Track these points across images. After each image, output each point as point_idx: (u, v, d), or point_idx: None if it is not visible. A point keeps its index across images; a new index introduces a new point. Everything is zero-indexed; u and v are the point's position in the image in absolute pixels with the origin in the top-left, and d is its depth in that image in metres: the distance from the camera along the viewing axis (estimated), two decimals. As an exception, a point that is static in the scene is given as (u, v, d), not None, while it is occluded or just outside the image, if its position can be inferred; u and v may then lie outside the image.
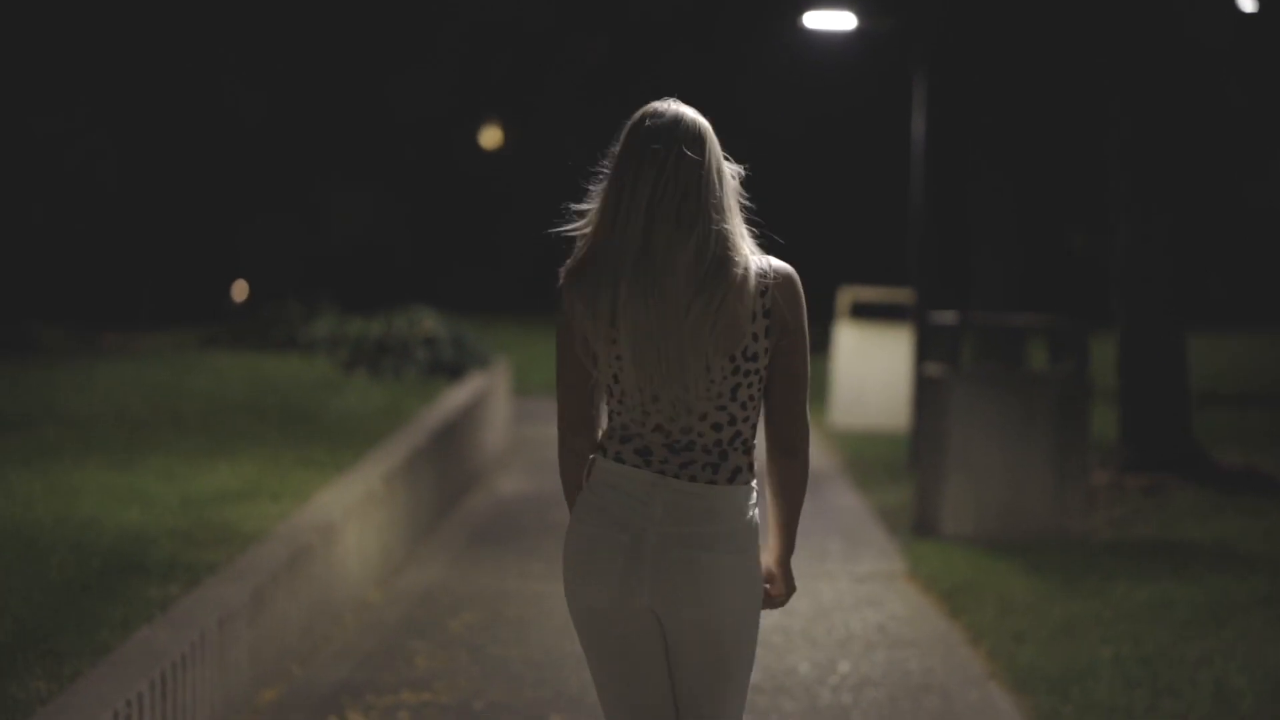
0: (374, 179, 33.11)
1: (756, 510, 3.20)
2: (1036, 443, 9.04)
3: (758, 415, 3.18)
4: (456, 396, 12.01)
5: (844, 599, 7.62)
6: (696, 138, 3.15)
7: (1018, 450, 9.04)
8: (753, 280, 3.13)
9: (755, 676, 6.22)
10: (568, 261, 3.21)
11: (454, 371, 13.37)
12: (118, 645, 5.12)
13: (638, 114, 3.20)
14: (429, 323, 13.41)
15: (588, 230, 3.19)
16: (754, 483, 3.20)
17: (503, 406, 13.82)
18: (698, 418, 3.14)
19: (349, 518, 7.45)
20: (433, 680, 6.16)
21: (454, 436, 10.86)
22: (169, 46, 29.13)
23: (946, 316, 9.73)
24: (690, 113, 3.19)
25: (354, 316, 14.82)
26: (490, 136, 39.47)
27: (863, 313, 16.48)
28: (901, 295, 15.96)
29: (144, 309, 26.35)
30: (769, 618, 7.21)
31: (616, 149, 3.19)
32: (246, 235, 31.90)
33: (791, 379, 3.15)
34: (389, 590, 7.92)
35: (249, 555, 6.38)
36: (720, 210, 3.13)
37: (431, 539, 9.41)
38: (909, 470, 11.96)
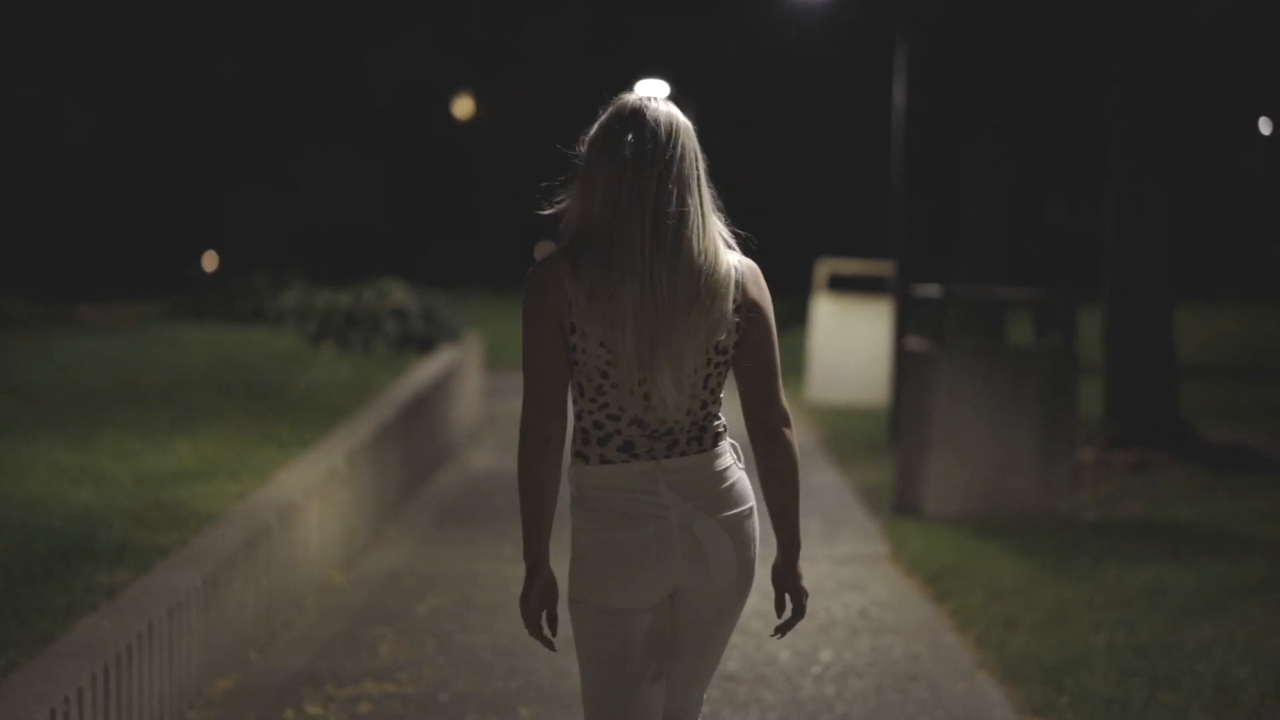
0: (351, 149, 32.69)
1: (741, 465, 3.29)
2: (1023, 419, 8.78)
3: (720, 395, 3.27)
4: (426, 370, 11.70)
5: (824, 583, 7.35)
6: (688, 136, 3.21)
7: (1003, 427, 8.78)
8: (732, 275, 3.22)
9: (733, 665, 5.96)
10: (552, 247, 3.21)
11: (424, 344, 13.06)
12: (59, 635, 4.82)
13: (625, 106, 3.22)
14: (398, 295, 13.08)
15: (574, 218, 3.21)
16: (729, 439, 3.28)
17: (474, 380, 13.52)
18: (675, 408, 3.20)
19: (310, 498, 7.15)
20: (397, 669, 5.88)
21: (423, 411, 10.57)
22: (146, 11, 28.65)
23: (930, 289, 9.46)
24: (677, 110, 3.25)
25: (323, 288, 14.48)
26: (463, 106, 39.05)
27: (841, 286, 16.20)
28: (880, 268, 15.69)
29: (116, 280, 25.94)
30: (745, 603, 6.95)
31: (600, 138, 3.20)
32: (223, 205, 31.48)
33: (767, 368, 3.23)
34: (353, 572, 7.63)
35: (204, 538, 6.08)
36: (708, 209, 3.21)
37: (399, 518, 9.11)
38: (889, 448, 11.70)
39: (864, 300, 15.22)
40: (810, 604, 6.88)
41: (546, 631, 3.26)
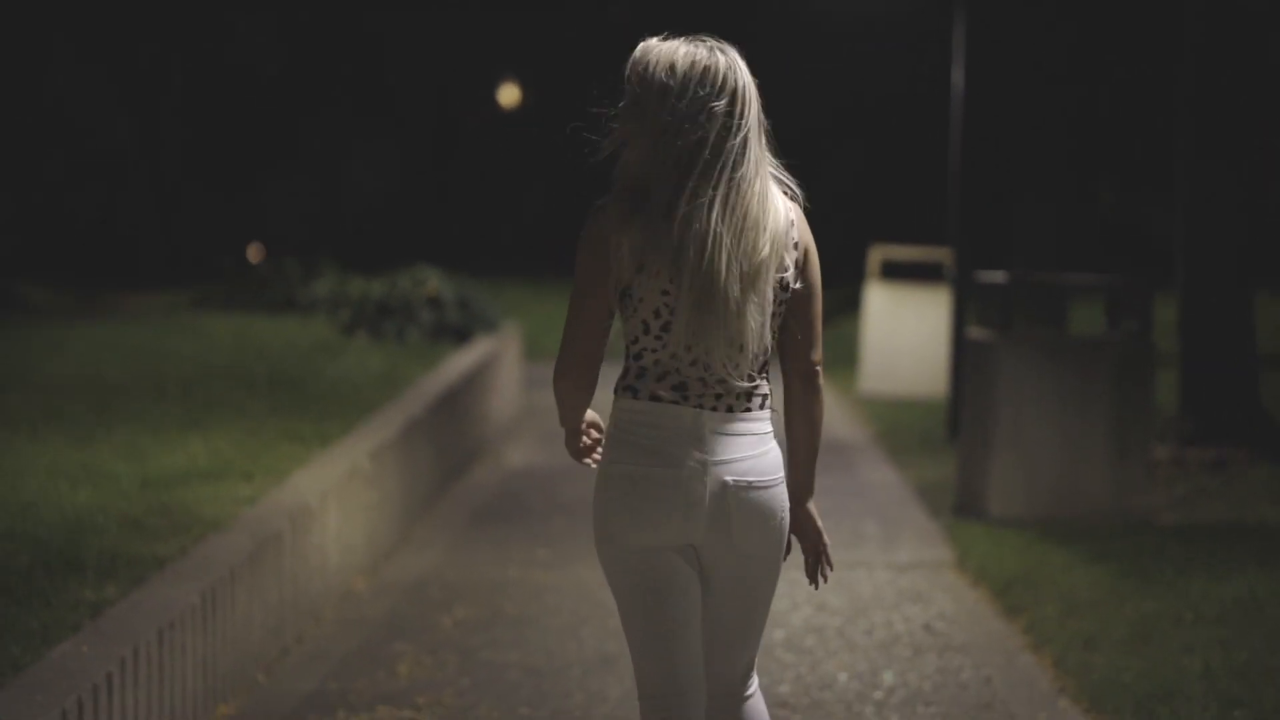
0: (390, 136, 32.22)
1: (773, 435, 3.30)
2: (1094, 414, 8.18)
3: (769, 346, 3.25)
4: (461, 362, 11.18)
5: (884, 593, 6.78)
6: (750, 87, 3.18)
7: (1073, 423, 8.18)
8: (784, 212, 3.22)
9: (785, 690, 5.39)
10: (608, 199, 3.20)
11: (460, 335, 12.55)
12: (31, 663, 4.31)
13: (680, 52, 3.17)
14: (433, 283, 12.57)
15: (632, 165, 3.17)
16: (772, 407, 3.28)
17: (512, 372, 13.00)
18: (729, 365, 3.19)
19: (329, 500, 6.63)
20: (415, 692, 5.35)
21: (457, 405, 10.05)
22: (185, 5, 28.27)
23: (994, 275, 8.85)
24: (739, 60, 3.19)
25: (357, 276, 13.98)
26: (508, 95, 38.54)
27: (894, 272, 15.58)
28: (935, 253, 15.07)
29: (151, 268, 25.56)
30: (798, 615, 6.39)
31: (660, 83, 3.15)
32: (262, 194, 31.09)
33: (813, 313, 3.26)
34: (376, 580, 7.11)
35: (206, 547, 5.57)
36: (766, 162, 3.20)
37: (428, 519, 8.59)
38: (948, 443, 11.11)
39: (919, 287, 14.59)
40: (869, 616, 6.38)
41: (588, 446, 3.39)
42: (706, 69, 3.15)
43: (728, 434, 3.20)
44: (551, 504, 9.17)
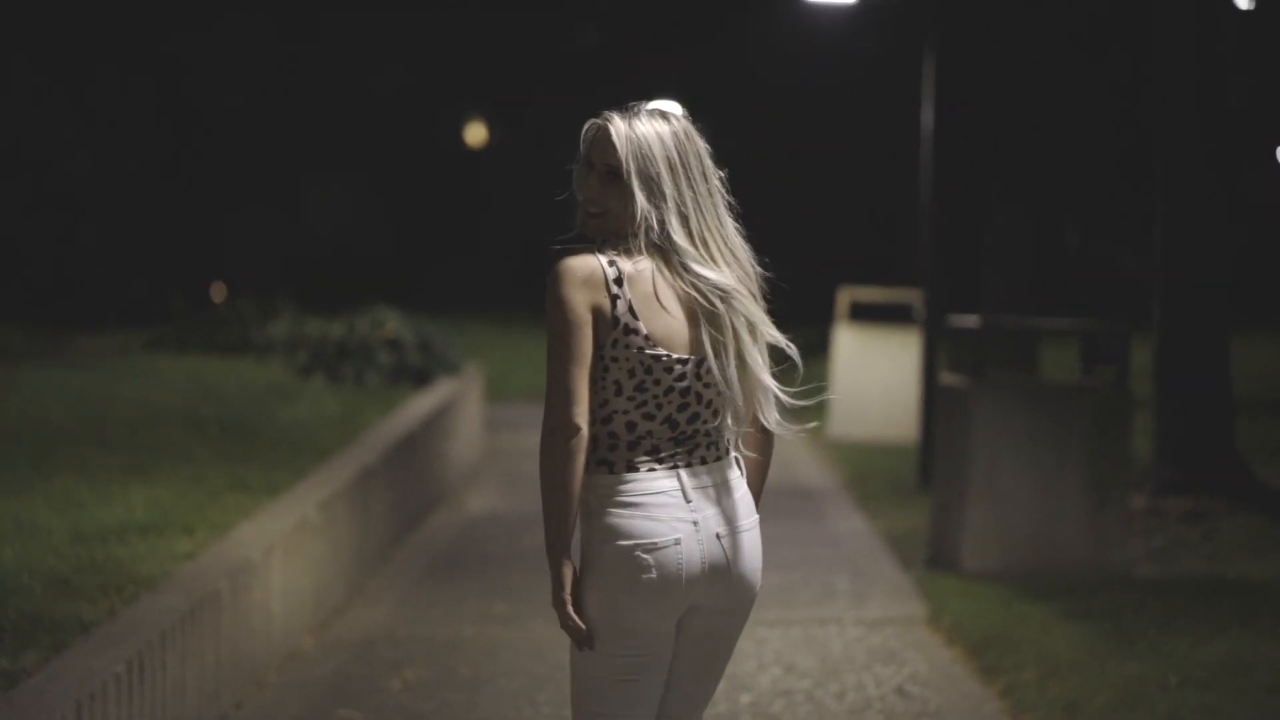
0: (354, 175, 31.93)
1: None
2: (1071, 463, 7.92)
3: None
4: (420, 405, 10.87)
5: (855, 653, 6.48)
6: (704, 150, 3.27)
7: (1050, 472, 7.92)
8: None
9: (753, 760, 5.10)
10: (605, 251, 3.20)
11: (420, 377, 12.23)
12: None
13: (645, 112, 3.26)
14: (392, 324, 12.25)
15: (611, 219, 3.22)
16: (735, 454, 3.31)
17: (474, 415, 12.68)
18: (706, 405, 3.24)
19: (273, 555, 6.31)
20: (358, 764, 5.03)
21: (415, 450, 9.73)
22: (145, 36, 27.95)
23: (967, 319, 8.60)
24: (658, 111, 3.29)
25: (315, 316, 13.65)
26: (475, 133, 38.30)
27: (863, 314, 15.33)
28: (904, 295, 14.84)
29: (107, 307, 25.15)
30: (765, 677, 6.09)
31: (645, 142, 3.21)
32: (223, 232, 30.72)
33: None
34: (324, 639, 6.79)
35: (136, 609, 5.24)
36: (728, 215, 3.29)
37: (382, 571, 8.27)
38: (918, 490, 10.84)
39: (888, 330, 14.35)
40: (840, 678, 6.08)
41: (578, 620, 3.20)
42: (686, 134, 3.25)
43: (707, 487, 3.21)
44: (512, 553, 8.86)
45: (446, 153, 34.75)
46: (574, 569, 3.21)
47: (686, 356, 3.18)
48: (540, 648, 6.58)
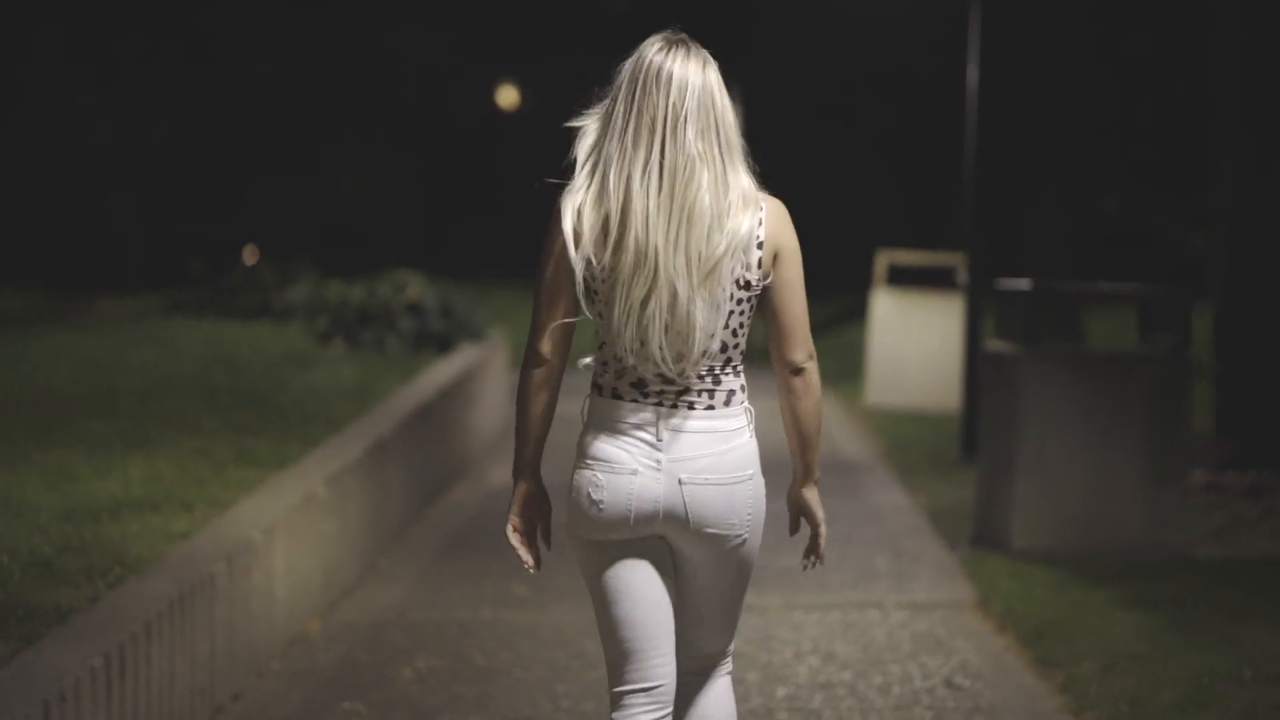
0: (383, 139, 31.47)
1: (752, 430, 3.29)
2: (1127, 437, 7.44)
3: (746, 339, 3.28)
4: (441, 373, 10.45)
5: (899, 640, 6.04)
6: (706, 90, 3.21)
7: (1104, 446, 7.44)
8: (750, 211, 3.21)
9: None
10: (575, 181, 3.26)
11: (443, 344, 11.81)
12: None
13: (645, 57, 3.23)
14: (414, 289, 11.82)
15: (590, 149, 3.25)
16: (746, 403, 3.29)
17: (498, 383, 12.26)
18: (668, 364, 3.23)
19: (275, 534, 5.90)
20: (359, 766, 4.62)
21: (434, 420, 9.32)
22: (172, 4, 27.54)
23: (1018, 283, 8.12)
24: (696, 49, 3.25)
25: (335, 280, 13.23)
26: (507, 96, 37.79)
27: (901, 279, 14.83)
28: (945, 259, 14.33)
29: (135, 272, 24.82)
30: (803, 667, 5.65)
31: (625, 79, 3.24)
32: (253, 195, 30.33)
33: (790, 307, 3.25)
34: (331, 623, 6.38)
35: (120, 595, 4.83)
36: (727, 160, 3.21)
37: (396, 549, 7.86)
38: (960, 462, 10.38)
39: (928, 294, 13.83)
40: (884, 668, 5.65)
41: (521, 545, 3.36)
42: (662, 66, 3.21)
43: (685, 431, 3.23)
44: (534, 530, 8.44)
45: (478, 115, 34.27)
46: (530, 491, 3.34)
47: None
48: (561, 634, 6.16)
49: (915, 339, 13.58)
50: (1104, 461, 7.44)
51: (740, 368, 3.28)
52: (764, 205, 3.22)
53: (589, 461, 3.25)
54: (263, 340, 11.79)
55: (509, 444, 11.86)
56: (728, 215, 3.16)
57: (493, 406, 11.84)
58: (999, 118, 12.05)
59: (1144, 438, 7.44)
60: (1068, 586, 6.59)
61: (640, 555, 3.29)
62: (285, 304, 12.91)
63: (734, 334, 3.23)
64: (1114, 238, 26.64)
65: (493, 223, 34.02)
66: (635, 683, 3.30)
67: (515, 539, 3.35)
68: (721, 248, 3.14)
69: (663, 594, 3.32)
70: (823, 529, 3.36)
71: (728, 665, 3.43)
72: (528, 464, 3.33)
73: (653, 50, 3.23)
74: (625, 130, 3.19)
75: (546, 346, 3.26)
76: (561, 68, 32.42)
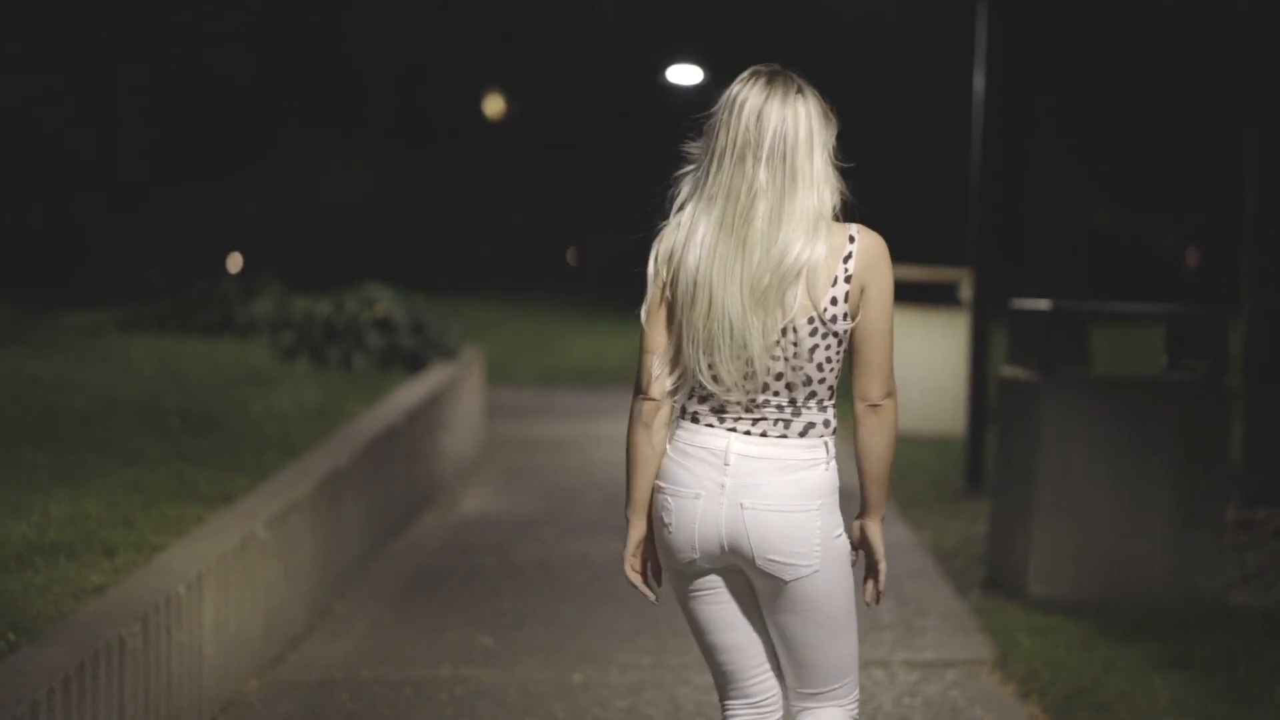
0: (366, 148, 30.77)
1: (832, 466, 3.27)
2: (1157, 472, 6.77)
3: (835, 375, 3.27)
4: (409, 394, 9.75)
5: (909, 709, 5.34)
6: (795, 117, 3.26)
7: (1131, 482, 6.78)
8: (819, 242, 3.22)
9: None
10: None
11: (413, 362, 11.12)
12: None
13: (737, 80, 3.30)
14: (382, 304, 11.12)
15: (687, 187, 3.30)
16: (828, 439, 3.27)
17: (472, 404, 11.56)
18: (773, 377, 3.24)
19: (206, 583, 5.20)
20: None
21: (399, 446, 8.63)
22: (147, 6, 26.86)
23: (1035, 303, 7.45)
24: (784, 79, 3.30)
25: (302, 295, 12.54)
26: (493, 105, 37.15)
27: (901, 294, 14.11)
28: (948, 274, 13.66)
29: (103, 283, 24.11)
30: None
31: (714, 114, 3.30)
32: (230, 205, 29.62)
33: (871, 342, 3.24)
34: (271, 681, 5.68)
35: (6, 668, 4.13)
36: (798, 179, 3.23)
37: (354, 590, 7.17)
38: (966, 493, 9.71)
39: (929, 311, 13.16)
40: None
41: (640, 583, 3.42)
42: (738, 97, 3.26)
43: (752, 456, 3.23)
44: (504, 566, 7.76)
45: (462, 125, 33.61)
46: (644, 531, 3.37)
47: None
48: (528, 696, 5.47)
49: (915, 359, 12.89)
50: (1130, 500, 6.77)
51: (827, 403, 3.26)
52: (855, 239, 3.22)
53: (662, 485, 3.32)
54: (222, 358, 11.10)
55: (485, 468, 11.19)
56: (779, 243, 3.17)
57: (467, 428, 11.14)
58: (1006, 128, 11.39)
59: (1174, 473, 6.77)
60: (1096, 643, 5.91)
61: (723, 586, 3.34)
62: (249, 318, 12.23)
63: (819, 368, 3.23)
64: (1109, 252, 26.03)
65: (478, 233, 33.36)
66: (738, 697, 3.42)
67: (635, 579, 3.42)
68: (767, 277, 3.16)
69: (749, 623, 3.37)
70: (882, 564, 3.34)
71: (845, 703, 3.40)
72: (638, 503, 3.35)
73: (738, 81, 3.28)
74: (707, 161, 3.25)
75: (656, 380, 3.28)
76: (549, 75, 31.73)
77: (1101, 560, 6.77)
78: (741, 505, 3.22)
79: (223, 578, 5.39)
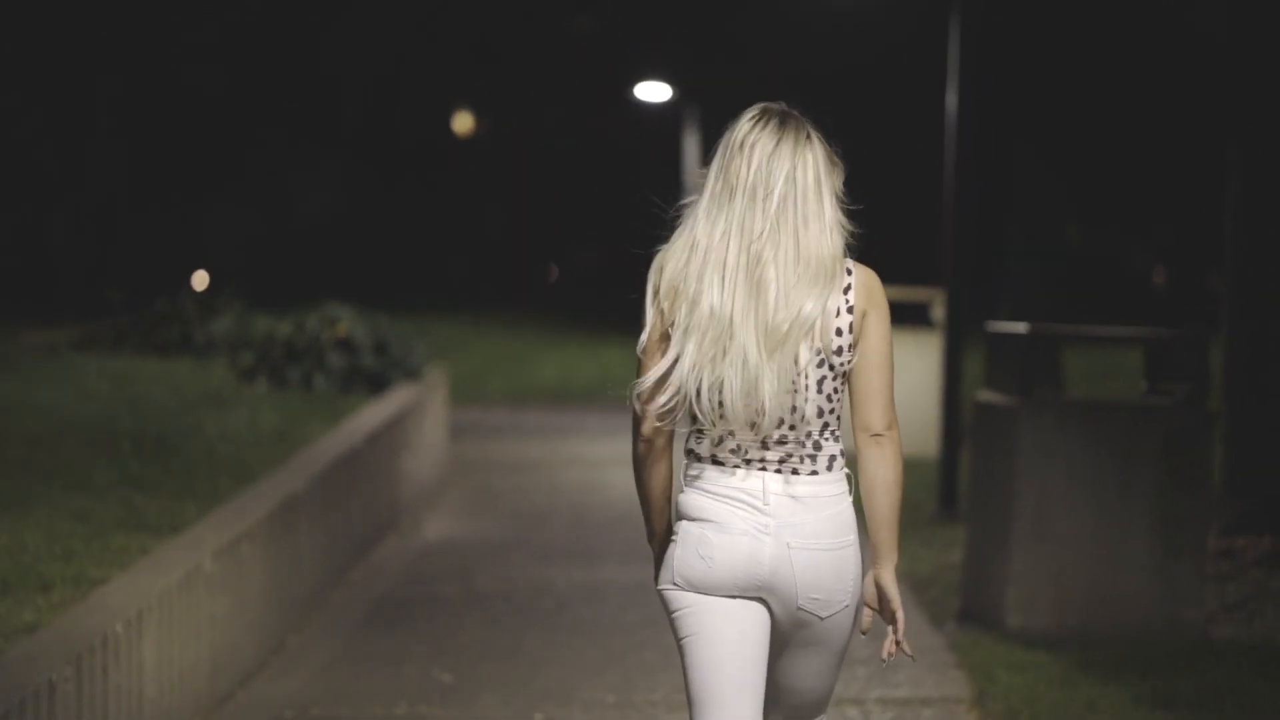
0: (335, 166, 30.53)
1: (850, 496, 3.26)
2: (1138, 499, 6.57)
3: (841, 404, 3.26)
4: (371, 416, 9.51)
5: (884, 750, 5.13)
6: (800, 157, 3.27)
7: (1112, 510, 6.57)
8: (827, 286, 3.23)
9: None
10: (667, 248, 3.26)
11: (376, 383, 10.88)
12: None
13: (741, 116, 3.29)
14: (343, 323, 10.88)
15: (689, 220, 3.27)
16: (845, 469, 3.26)
17: (436, 426, 11.31)
18: (788, 411, 3.22)
19: (146, 621, 4.95)
20: None
21: (359, 470, 8.38)
22: (118, 21, 26.57)
23: (1012, 326, 7.25)
24: (792, 120, 3.29)
25: (263, 313, 12.29)
26: (462, 122, 36.95)
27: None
28: (918, 294, 13.47)
29: (69, 301, 23.80)
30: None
31: (718, 150, 3.28)
32: (199, 222, 29.34)
33: (871, 375, 3.25)
34: (216, 722, 5.43)
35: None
36: (809, 222, 3.24)
37: (311, 621, 6.92)
38: (939, 518, 9.50)
39: (900, 332, 12.92)
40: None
41: None
42: (747, 136, 3.24)
43: (793, 496, 3.21)
44: (466, 595, 7.52)
45: (432, 143, 33.40)
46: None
47: None
48: (487, 738, 5.23)
49: (887, 379, 12.68)
50: (1111, 527, 6.56)
51: (838, 433, 3.25)
52: (852, 273, 3.22)
53: (697, 519, 3.24)
54: (179, 378, 10.86)
55: (449, 491, 10.91)
56: (797, 291, 3.16)
57: (431, 451, 10.90)
58: (979, 147, 11.22)
59: (1156, 500, 6.57)
60: (1077, 680, 5.70)
61: (739, 613, 3.25)
62: (208, 338, 11.98)
63: (828, 399, 3.22)
64: (1080, 271, 25.91)
65: (447, 250, 33.12)
66: None
67: None
68: (785, 326, 3.15)
69: (756, 654, 3.26)
70: (900, 614, 3.23)
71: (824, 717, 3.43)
72: (658, 534, 3.35)
73: (745, 118, 3.26)
74: (712, 195, 3.22)
75: (649, 412, 3.23)
76: (522, 91, 31.50)
77: (1081, 590, 6.56)
78: (789, 545, 3.19)
79: (166, 613, 5.14)
